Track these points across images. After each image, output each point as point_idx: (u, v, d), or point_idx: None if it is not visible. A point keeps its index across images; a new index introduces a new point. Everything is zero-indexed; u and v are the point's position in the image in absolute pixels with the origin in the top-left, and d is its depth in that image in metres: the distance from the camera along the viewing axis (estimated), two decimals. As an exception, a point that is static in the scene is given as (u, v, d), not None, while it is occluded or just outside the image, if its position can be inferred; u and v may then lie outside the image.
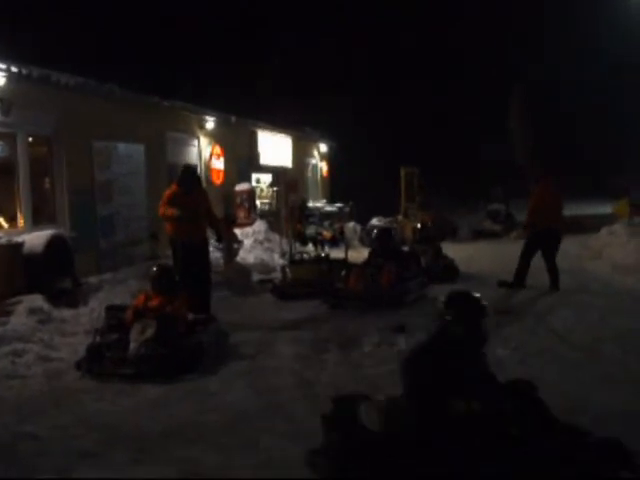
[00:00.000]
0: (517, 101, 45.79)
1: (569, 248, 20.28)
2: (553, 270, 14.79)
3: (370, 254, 14.79)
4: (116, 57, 36.41)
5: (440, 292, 13.56)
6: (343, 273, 14.07)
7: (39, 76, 14.09)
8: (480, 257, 20.57)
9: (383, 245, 14.84)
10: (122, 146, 17.10)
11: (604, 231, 19.72)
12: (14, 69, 13.34)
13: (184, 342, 9.35)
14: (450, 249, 17.50)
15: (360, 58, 47.09)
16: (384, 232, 16.07)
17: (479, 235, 27.36)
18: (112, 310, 10.24)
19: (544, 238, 14.86)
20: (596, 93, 43.94)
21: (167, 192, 12.45)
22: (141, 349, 9.03)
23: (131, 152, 17.51)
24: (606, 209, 26.94)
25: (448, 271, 16.44)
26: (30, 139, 14.54)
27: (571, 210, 30.91)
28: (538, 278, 15.17)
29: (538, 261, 15.26)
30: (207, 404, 7.90)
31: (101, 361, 9.07)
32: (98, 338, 9.44)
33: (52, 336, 10.97)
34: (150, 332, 9.19)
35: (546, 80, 46.57)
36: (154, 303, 9.87)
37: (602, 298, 13.26)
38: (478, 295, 5.86)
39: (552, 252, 14.79)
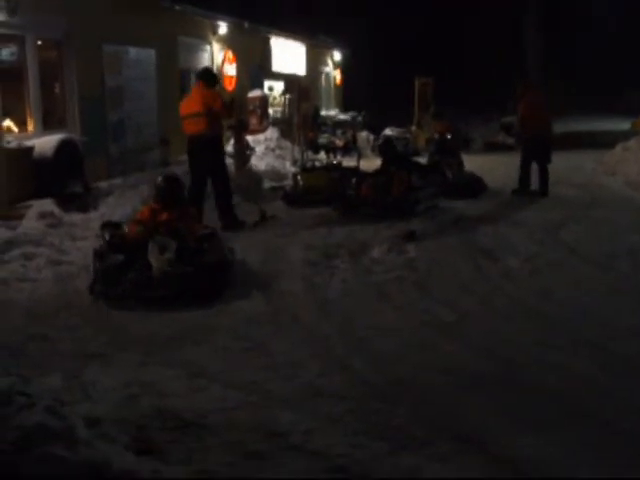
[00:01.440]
0: (532, 15, 44.98)
1: (584, 163, 20.22)
2: (544, 175, 15.40)
3: (382, 163, 14.50)
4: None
5: (464, 207, 13.55)
6: (354, 181, 14.01)
7: (47, -24, 13.82)
8: (493, 169, 20.38)
9: (386, 156, 14.63)
10: (133, 50, 16.86)
11: (619, 147, 19.50)
12: (20, -33, 13.06)
13: (207, 259, 8.54)
14: (464, 161, 17.28)
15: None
16: (385, 143, 16.20)
17: (492, 147, 27.11)
18: (109, 227, 9.32)
19: (534, 145, 15.45)
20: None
21: (211, 90, 12.32)
22: (166, 269, 8.22)
23: (142, 57, 17.27)
24: (624, 125, 26.63)
25: (475, 186, 15.90)
26: (39, 42, 14.33)
27: (588, 125, 30.76)
28: (552, 190, 15.20)
29: (551, 175, 15.27)
30: (216, 309, 7.92)
31: (117, 283, 8.20)
32: (98, 264, 8.56)
33: (62, 240, 10.97)
34: (171, 251, 8.36)
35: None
36: (164, 218, 9.04)
37: (615, 213, 13.16)
38: None
39: (543, 158, 15.37)
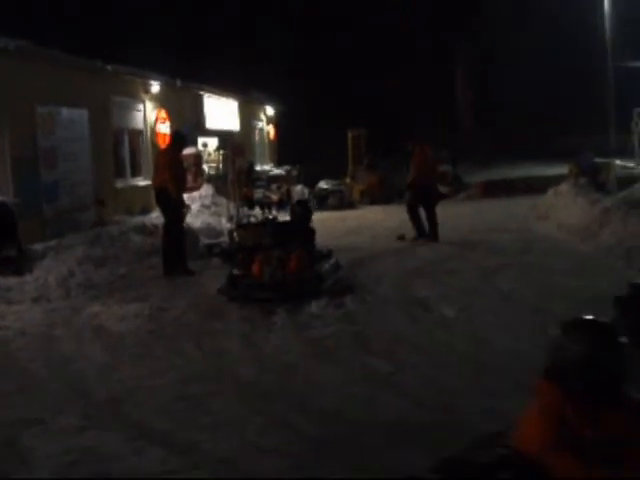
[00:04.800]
0: (461, 65, 45.89)
1: (517, 209, 20.51)
2: (433, 221, 16.17)
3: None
4: (57, 19, 35.73)
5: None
6: (240, 256, 11.87)
7: (-24, 40, 13.79)
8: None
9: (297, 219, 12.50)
10: (66, 111, 16.83)
11: (551, 192, 19.89)
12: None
13: None
14: (398, 211, 17.40)
15: (302, 20, 46.68)
16: (300, 204, 13.39)
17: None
18: None
19: (422, 195, 16.39)
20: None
21: (166, 151, 14.59)
22: None
23: (75, 117, 17.24)
24: (557, 170, 27.16)
25: None
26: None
27: (522, 172, 31.31)
28: (486, 237, 15.43)
29: (485, 222, 15.47)
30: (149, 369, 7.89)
31: None
32: None
33: (-4, 304, 10.88)
34: None
35: (489, 43, 46.43)
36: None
37: (547, 258, 13.38)
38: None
39: (430, 206, 16.31)
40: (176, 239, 13.57)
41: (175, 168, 13.61)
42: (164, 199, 13.58)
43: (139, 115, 21.12)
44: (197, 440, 5.88)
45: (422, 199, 16.31)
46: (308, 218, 12.53)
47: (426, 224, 16.15)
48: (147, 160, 21.11)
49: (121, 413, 6.60)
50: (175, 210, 13.66)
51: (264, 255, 11.18)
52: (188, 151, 22.07)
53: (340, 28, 45.98)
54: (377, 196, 25.97)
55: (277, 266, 10.92)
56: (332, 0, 46.66)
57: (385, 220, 16.86)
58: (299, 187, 26.55)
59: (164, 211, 13.80)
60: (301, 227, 12.17)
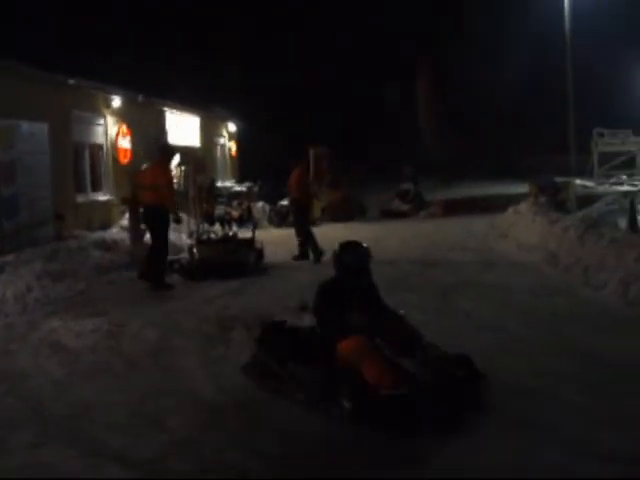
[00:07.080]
0: (422, 85, 46.15)
1: (478, 227, 20.64)
2: (302, 241, 16.58)
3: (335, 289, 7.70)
4: (18, 31, 35.41)
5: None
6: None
7: None
8: (388, 237, 20.65)
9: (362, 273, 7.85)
10: (25, 125, 16.68)
11: (510, 210, 20.07)
12: None
13: None
14: (359, 228, 17.39)
15: (268, 36, 46.77)
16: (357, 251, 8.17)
17: (387, 215, 27.40)
18: None
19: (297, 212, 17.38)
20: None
21: (162, 167, 14.09)
22: None
23: (35, 131, 17.09)
24: (515, 189, 27.42)
25: None
26: None
27: (484, 190, 31.56)
28: (446, 256, 15.47)
29: (445, 240, 15.51)
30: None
31: None
32: None
33: (-48, 320, 10.75)
34: None
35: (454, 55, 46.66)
36: None
37: (506, 276, 13.45)
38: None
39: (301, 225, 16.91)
40: (162, 253, 13.91)
41: (172, 185, 14.31)
42: (157, 216, 13.82)
43: (100, 130, 20.99)
44: (154, 457, 5.83)
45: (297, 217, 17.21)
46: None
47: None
48: (108, 175, 21.01)
49: (77, 429, 6.53)
50: (166, 227, 14.05)
51: (374, 349, 6.86)
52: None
53: (301, 43, 46.01)
54: (339, 213, 25.94)
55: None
56: (292, 16, 46.86)
57: (345, 237, 16.67)
58: (260, 204, 26.54)
59: (156, 227, 13.92)
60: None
